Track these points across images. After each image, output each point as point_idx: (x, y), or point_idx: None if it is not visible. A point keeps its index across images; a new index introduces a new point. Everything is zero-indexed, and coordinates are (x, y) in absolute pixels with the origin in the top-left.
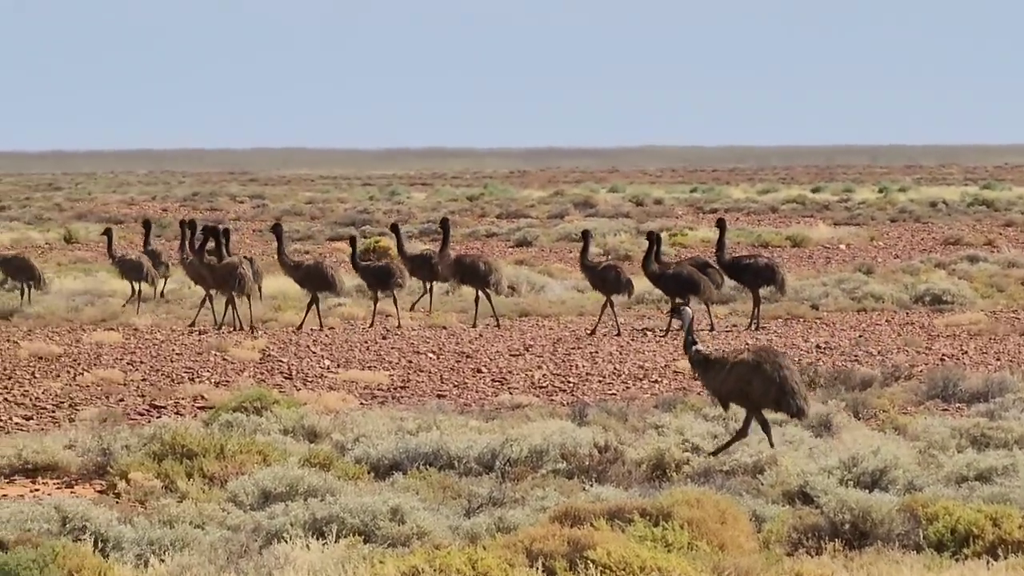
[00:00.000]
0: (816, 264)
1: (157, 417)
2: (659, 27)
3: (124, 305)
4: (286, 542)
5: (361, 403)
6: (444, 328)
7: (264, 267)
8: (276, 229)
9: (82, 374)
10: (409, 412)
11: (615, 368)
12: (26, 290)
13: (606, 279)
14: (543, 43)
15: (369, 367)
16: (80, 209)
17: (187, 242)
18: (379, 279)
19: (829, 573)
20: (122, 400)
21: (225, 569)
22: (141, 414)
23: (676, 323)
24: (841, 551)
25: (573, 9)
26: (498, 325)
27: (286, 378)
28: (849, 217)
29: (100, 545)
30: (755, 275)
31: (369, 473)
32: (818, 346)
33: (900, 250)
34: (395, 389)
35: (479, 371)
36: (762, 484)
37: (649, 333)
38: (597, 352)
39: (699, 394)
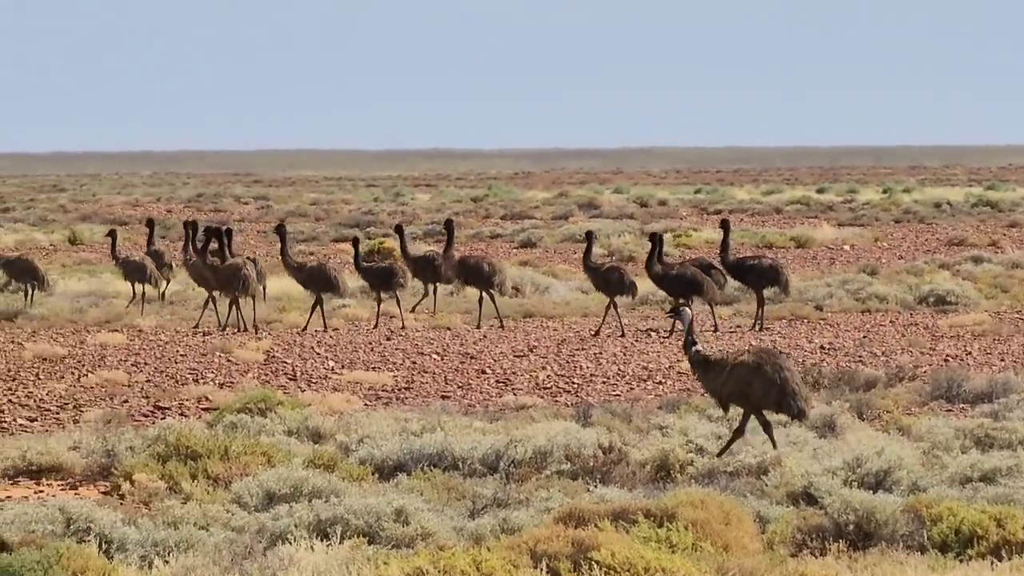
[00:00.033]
0: (820, 265)
1: (161, 418)
2: (663, 28)
3: (128, 306)
4: (290, 543)
5: (365, 404)
6: (448, 329)
7: (268, 268)
8: (280, 230)
9: (86, 375)
10: (413, 413)
11: (619, 369)
12: (30, 292)
13: (609, 280)
14: (547, 44)
15: (373, 368)
16: (84, 210)
17: (190, 243)
18: (381, 280)
19: (833, 574)
20: (126, 401)
21: (229, 570)
22: (145, 415)
23: (678, 325)
24: (845, 552)
25: (579, 10)
26: (502, 326)
27: (290, 379)
28: (853, 218)
29: (104, 546)
30: (759, 276)
31: (373, 474)
32: (822, 347)
33: (904, 251)
34: (399, 390)
35: (483, 372)
36: (766, 485)
37: (653, 334)
38: (601, 353)
39: (703, 395)
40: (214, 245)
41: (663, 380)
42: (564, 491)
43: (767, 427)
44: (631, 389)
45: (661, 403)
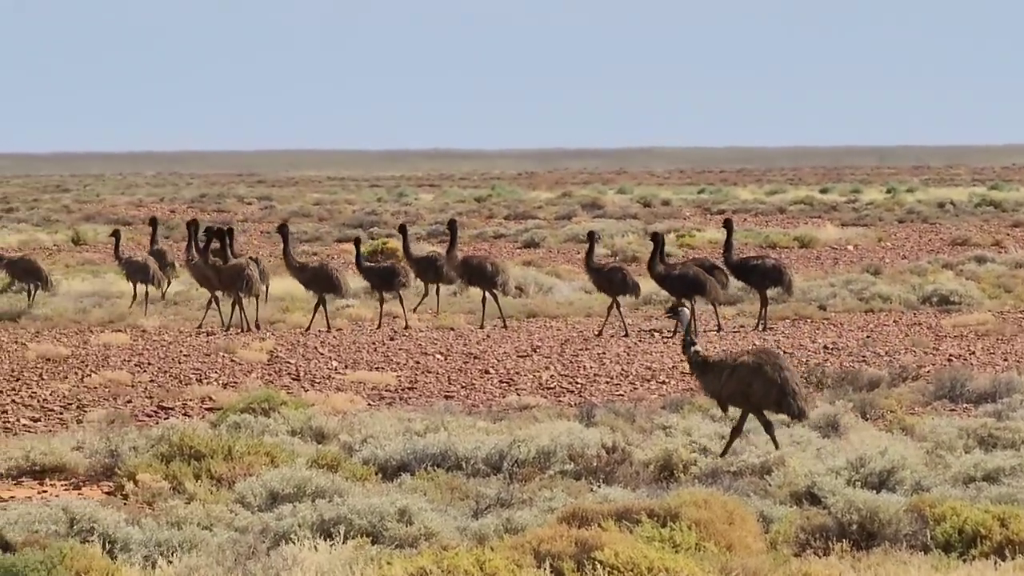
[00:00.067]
0: (824, 265)
1: (165, 418)
2: (667, 28)
3: (131, 307)
4: (294, 543)
5: (369, 404)
6: (452, 329)
7: (271, 269)
8: (282, 230)
9: (90, 376)
10: (417, 413)
11: (623, 369)
12: (32, 292)
13: (612, 280)
14: (551, 44)
15: (377, 368)
16: (88, 211)
17: (192, 243)
18: (383, 280)
19: (837, 574)
20: (130, 402)
21: (233, 570)
22: (149, 415)
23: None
24: (848, 552)
25: (583, 10)
26: (505, 326)
27: (294, 379)
28: (857, 218)
29: (108, 546)
30: (762, 276)
31: (377, 474)
32: (825, 347)
33: (908, 251)
34: (403, 390)
35: (487, 372)
36: (770, 485)
37: (656, 334)
38: (605, 353)
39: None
40: (215, 245)
41: (666, 380)
42: (567, 491)
43: (768, 427)
44: (634, 389)
45: (664, 403)
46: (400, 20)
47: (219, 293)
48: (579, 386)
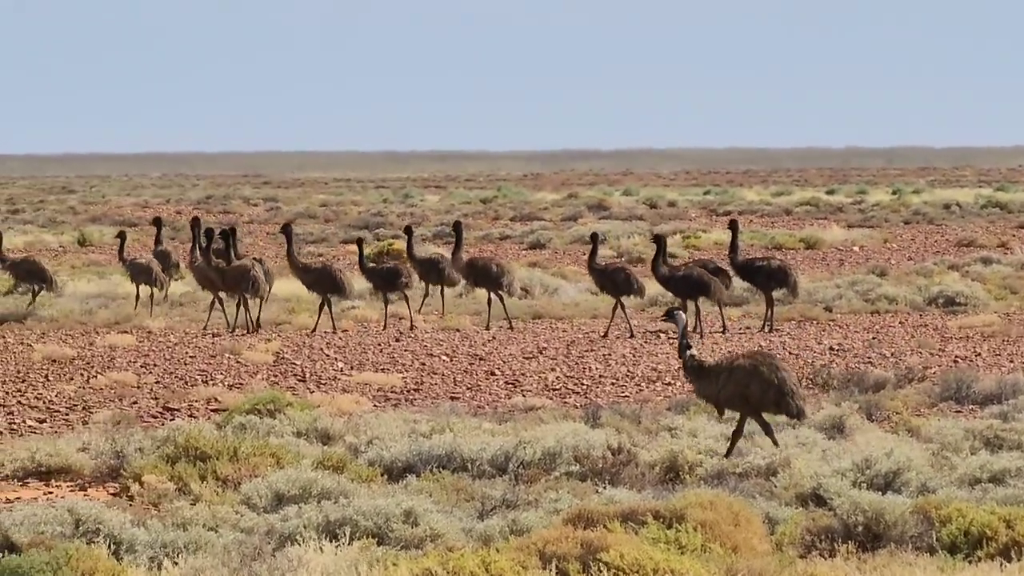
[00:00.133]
0: (830, 266)
1: (170, 420)
2: (672, 29)
3: (136, 308)
4: (299, 544)
5: (374, 405)
6: (457, 330)
7: (276, 270)
8: (286, 230)
9: (96, 377)
10: (422, 414)
11: (628, 370)
12: (36, 293)
13: (615, 281)
14: (557, 45)
15: (382, 369)
16: (94, 212)
17: (196, 244)
18: (386, 281)
19: (842, 575)
20: (135, 403)
21: (239, 571)
22: (155, 417)
23: (677, 330)
24: (854, 553)
25: (589, 10)
26: (511, 327)
27: (299, 380)
28: (863, 219)
29: (113, 548)
30: (768, 277)
31: (382, 475)
32: (831, 348)
33: (914, 252)
34: (408, 391)
35: (492, 373)
36: (775, 486)
37: (662, 335)
38: (610, 354)
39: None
40: (216, 246)
41: (672, 381)
42: (573, 492)
43: (767, 429)
44: (640, 390)
45: (670, 404)
46: (406, 21)
47: (223, 294)
48: (585, 387)
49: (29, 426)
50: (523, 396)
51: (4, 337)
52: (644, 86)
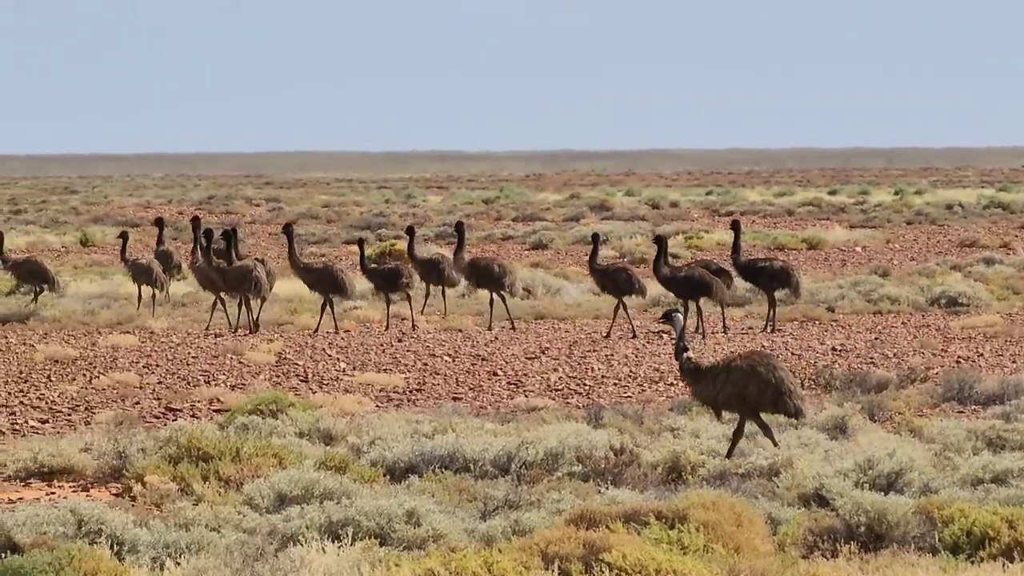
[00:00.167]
0: (832, 266)
1: (173, 420)
2: (676, 29)
3: (138, 309)
4: (302, 545)
5: (377, 406)
6: (460, 331)
7: (278, 270)
8: (287, 230)
9: (98, 377)
10: (425, 415)
11: (631, 371)
12: (37, 294)
13: (617, 281)
14: (560, 46)
15: (385, 370)
16: (96, 212)
17: (197, 245)
18: (387, 281)
19: (844, 575)
20: (138, 403)
21: (241, 572)
22: (157, 417)
23: (674, 332)
24: (857, 554)
25: (591, 11)
26: (513, 328)
27: (302, 381)
28: (865, 219)
29: (116, 548)
30: (770, 278)
31: (385, 476)
32: (834, 348)
33: (916, 252)
34: (411, 392)
35: (495, 374)
36: (778, 487)
37: (664, 336)
38: (613, 355)
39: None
40: (217, 246)
41: (674, 382)
42: (575, 493)
43: (765, 429)
44: (642, 391)
45: (672, 405)
46: (408, 21)
47: (223, 295)
48: (587, 388)
49: (31, 426)
50: (525, 396)
51: (6, 337)
52: (646, 86)
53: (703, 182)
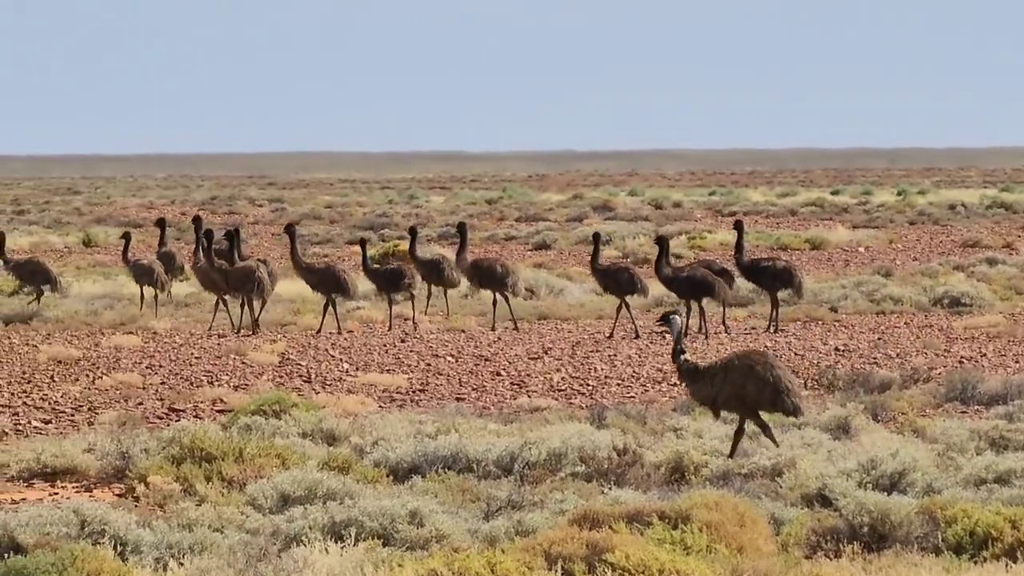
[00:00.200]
0: (835, 266)
1: (176, 420)
2: (678, 30)
3: (141, 309)
4: (305, 545)
5: (380, 406)
6: (463, 331)
7: (281, 271)
8: (289, 230)
9: (101, 378)
10: (428, 415)
11: (634, 371)
12: (39, 294)
13: (619, 281)
14: (563, 46)
15: (388, 370)
16: (99, 213)
17: (199, 246)
18: (389, 282)
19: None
20: (141, 404)
21: (244, 573)
22: (160, 417)
23: (672, 334)
24: (860, 554)
25: (593, 11)
26: (516, 328)
27: (305, 381)
28: (868, 220)
29: (119, 549)
30: (773, 278)
31: (388, 476)
32: (837, 348)
33: (919, 252)
34: (414, 392)
35: (498, 374)
36: (781, 487)
37: (667, 336)
38: (616, 355)
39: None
40: (219, 246)
41: (678, 382)
42: (578, 493)
43: (765, 429)
44: (646, 391)
45: (676, 405)
46: (411, 21)
47: (225, 296)
48: (590, 388)
49: (35, 427)
50: (528, 397)
51: (10, 338)
52: (649, 87)
53: (706, 182)
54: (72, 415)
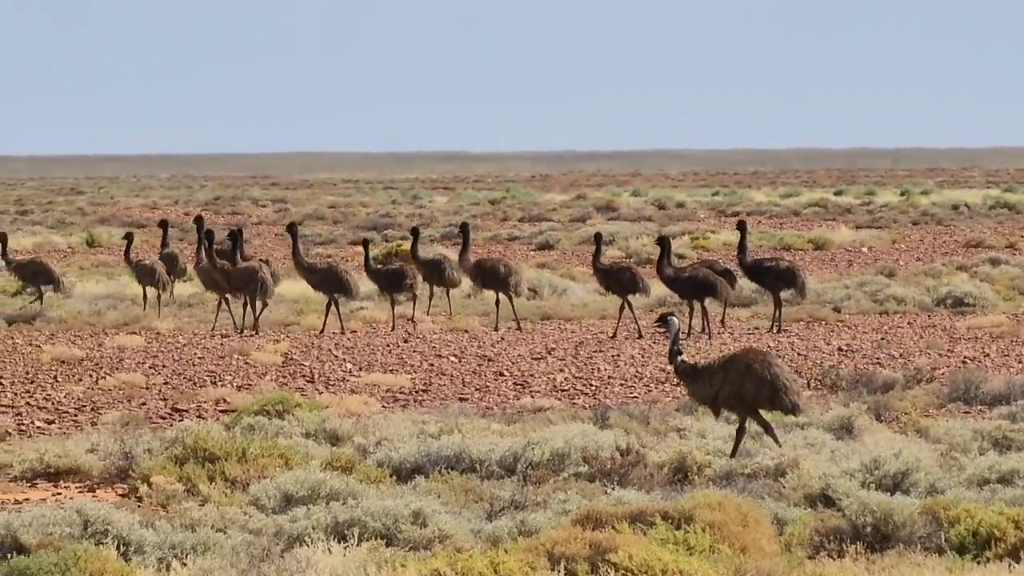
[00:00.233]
0: (838, 267)
1: (179, 420)
2: (682, 30)
3: (145, 309)
4: (308, 546)
5: (383, 406)
6: (466, 331)
7: (284, 271)
8: (291, 229)
9: (104, 378)
10: (431, 415)
11: (637, 371)
12: (41, 294)
13: (621, 280)
14: (567, 46)
15: (391, 370)
16: (103, 213)
17: (201, 246)
18: (391, 282)
19: None
20: (144, 404)
21: (247, 573)
22: (163, 418)
23: (669, 336)
24: (863, 554)
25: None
26: (519, 328)
27: (308, 381)
28: (871, 220)
29: (122, 549)
30: (776, 278)
31: (391, 476)
32: (840, 349)
33: (922, 253)
34: (417, 392)
35: (501, 374)
36: (784, 487)
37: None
38: (619, 355)
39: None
40: (221, 247)
41: (677, 383)
42: (581, 493)
43: (767, 428)
44: (649, 391)
45: (679, 405)
46: (414, 21)
47: (227, 296)
48: (593, 388)
49: (38, 427)
50: (532, 397)
51: (13, 338)
52: (652, 87)
53: (709, 183)
54: (75, 415)
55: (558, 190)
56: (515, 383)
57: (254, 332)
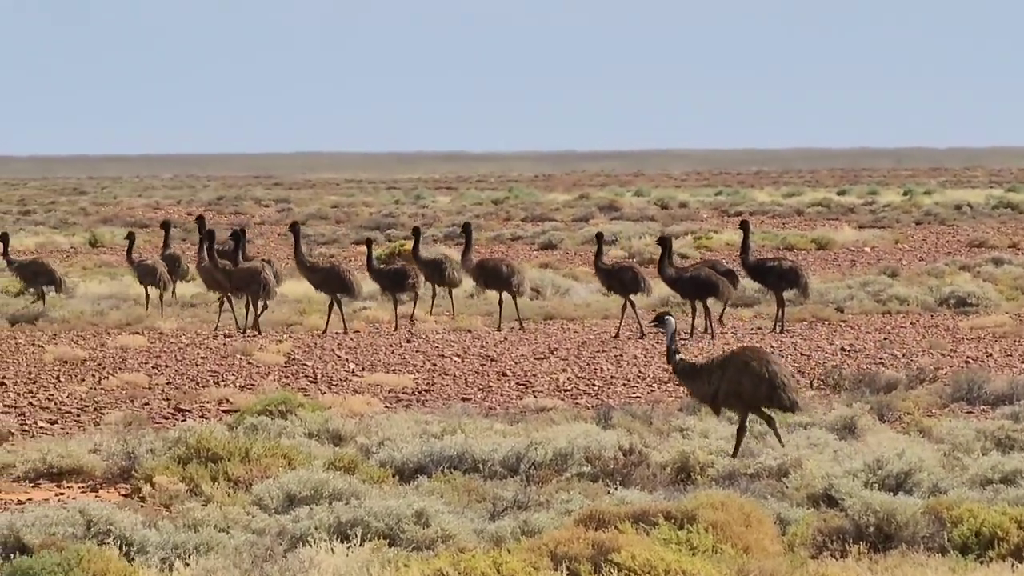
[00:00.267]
0: (841, 267)
1: (182, 421)
2: (685, 30)
3: (147, 309)
4: (311, 546)
5: (386, 406)
6: (469, 331)
7: (286, 271)
8: (293, 228)
9: (107, 378)
10: (434, 415)
11: (640, 371)
12: (43, 295)
13: (623, 280)
14: (570, 46)
15: (394, 370)
16: (105, 213)
17: (202, 246)
18: (393, 282)
19: None
20: (147, 404)
21: (250, 573)
22: (166, 418)
23: (666, 336)
24: (866, 554)
25: (599, 11)
26: (522, 328)
27: (311, 382)
28: (874, 220)
29: (125, 549)
30: (779, 278)
31: (394, 476)
32: (843, 348)
33: (925, 252)
34: (420, 392)
35: (504, 374)
36: (787, 487)
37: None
38: (622, 355)
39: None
40: (223, 247)
41: (677, 383)
42: (584, 493)
43: (771, 422)
44: (651, 391)
45: (681, 405)
46: (416, 21)
47: (230, 296)
48: (596, 388)
49: (40, 427)
50: (534, 397)
51: (16, 338)
52: (655, 87)
53: (712, 182)
54: (78, 415)
55: (561, 190)
56: (518, 383)
57: (255, 332)
